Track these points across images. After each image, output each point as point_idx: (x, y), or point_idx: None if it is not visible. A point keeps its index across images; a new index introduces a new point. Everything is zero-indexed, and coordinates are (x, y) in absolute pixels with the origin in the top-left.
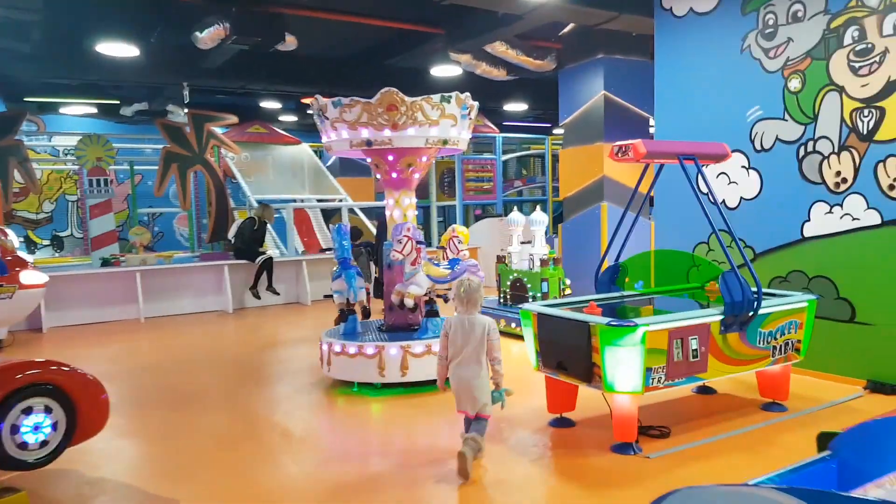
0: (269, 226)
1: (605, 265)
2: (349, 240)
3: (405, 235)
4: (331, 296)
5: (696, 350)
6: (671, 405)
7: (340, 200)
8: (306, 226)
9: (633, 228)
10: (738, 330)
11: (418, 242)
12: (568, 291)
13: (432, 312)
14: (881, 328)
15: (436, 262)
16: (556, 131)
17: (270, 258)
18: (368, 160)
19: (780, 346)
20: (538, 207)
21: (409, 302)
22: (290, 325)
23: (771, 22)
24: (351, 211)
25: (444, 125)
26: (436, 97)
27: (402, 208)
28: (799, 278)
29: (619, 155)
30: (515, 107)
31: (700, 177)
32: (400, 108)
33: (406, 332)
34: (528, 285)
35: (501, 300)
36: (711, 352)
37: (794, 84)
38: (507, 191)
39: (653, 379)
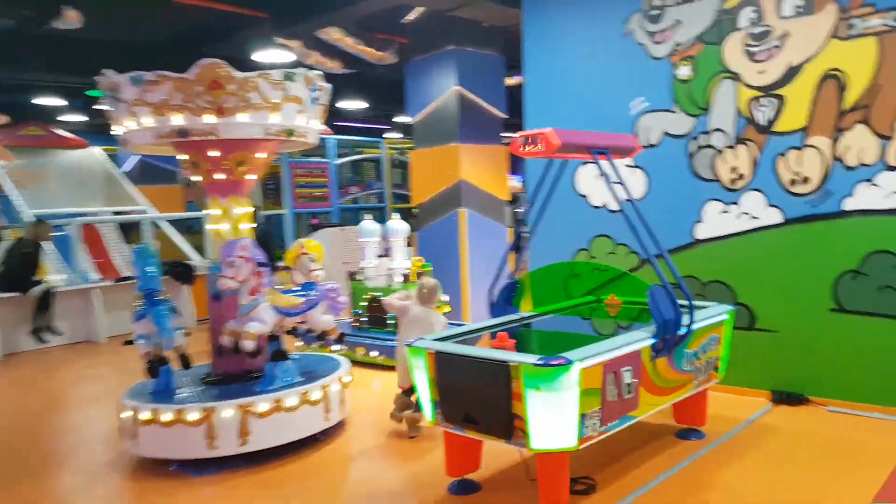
0: (44, 246)
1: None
2: (156, 265)
3: (240, 256)
4: (132, 342)
5: (629, 385)
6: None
7: (143, 213)
8: (98, 245)
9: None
10: (668, 353)
11: (259, 264)
12: (447, 309)
13: (279, 354)
14: (783, 334)
15: (283, 288)
16: (389, 135)
17: (49, 289)
18: (181, 159)
19: (703, 366)
20: (395, 215)
21: (249, 344)
22: (80, 376)
23: (657, 3)
24: (155, 225)
25: (287, 111)
26: (276, 73)
27: (231, 220)
28: (691, 285)
29: (525, 147)
30: (352, 105)
31: (606, 173)
32: (227, 87)
33: (244, 384)
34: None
35: (355, 323)
36: (642, 383)
37: (684, 72)
38: (343, 197)
39: (587, 427)
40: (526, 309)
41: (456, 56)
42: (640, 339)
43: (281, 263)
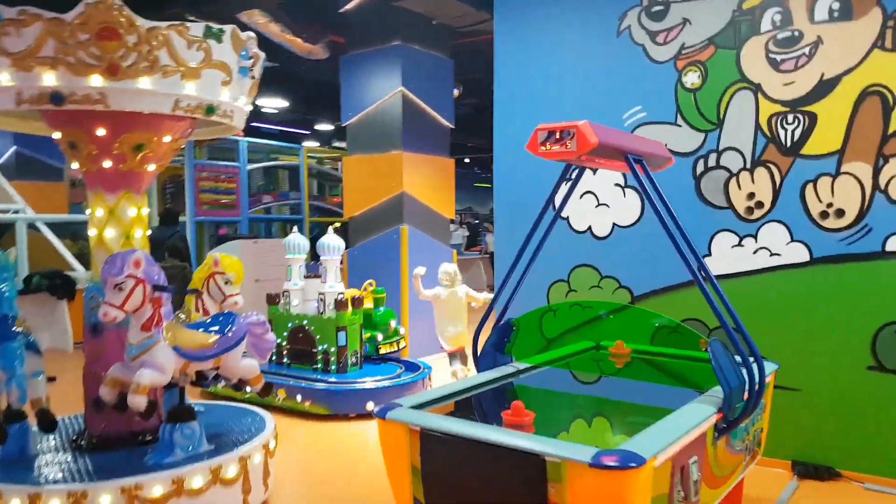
0: None
1: (490, 325)
2: (10, 281)
3: (130, 276)
4: None
5: (696, 482)
6: None
7: (16, 212)
8: None
9: (531, 264)
10: (728, 432)
11: (156, 288)
12: (403, 344)
13: (180, 413)
14: (808, 394)
15: (188, 321)
16: (309, 143)
17: None
18: (56, 138)
19: (750, 442)
20: (330, 229)
21: (140, 401)
22: None
23: None
24: (32, 227)
25: (208, 79)
26: (197, 27)
27: (120, 224)
28: (696, 330)
29: (548, 144)
30: (271, 103)
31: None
32: (125, 38)
33: (130, 453)
34: (317, 337)
35: (275, 359)
36: (704, 477)
37: (692, 79)
38: (254, 207)
39: None
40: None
41: (401, 53)
42: (703, 415)
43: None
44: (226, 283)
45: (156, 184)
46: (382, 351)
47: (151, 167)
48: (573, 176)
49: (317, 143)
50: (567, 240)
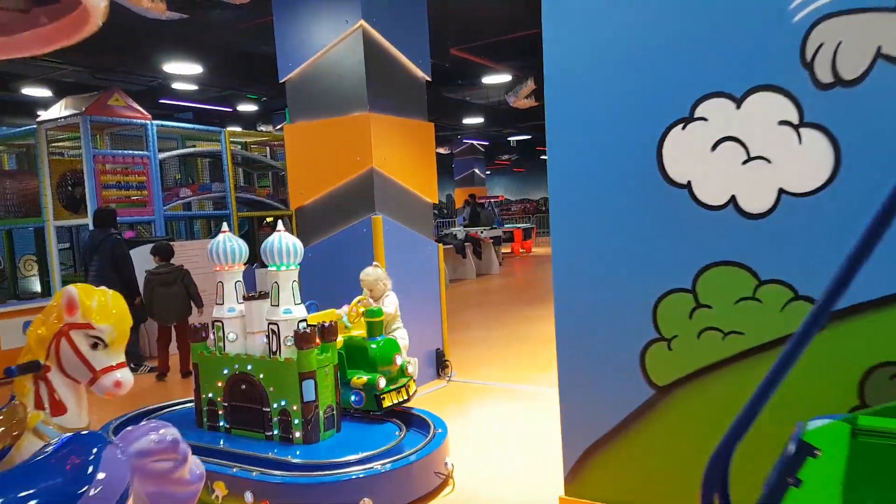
0: None
1: None
2: None
3: None
4: None
5: None
6: None
7: None
8: None
9: None
10: None
11: None
12: (414, 389)
13: None
14: None
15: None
16: (231, 128)
17: None
18: None
19: None
20: (280, 224)
21: None
22: None
23: None
24: None
25: None
26: None
27: None
28: None
29: None
30: (182, 69)
31: None
32: None
33: None
34: (269, 389)
35: (206, 422)
36: None
37: None
38: (171, 202)
39: None
40: None
41: None
42: None
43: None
44: (93, 345)
45: (51, 178)
46: (387, 403)
47: None
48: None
49: (239, 129)
50: (690, 221)
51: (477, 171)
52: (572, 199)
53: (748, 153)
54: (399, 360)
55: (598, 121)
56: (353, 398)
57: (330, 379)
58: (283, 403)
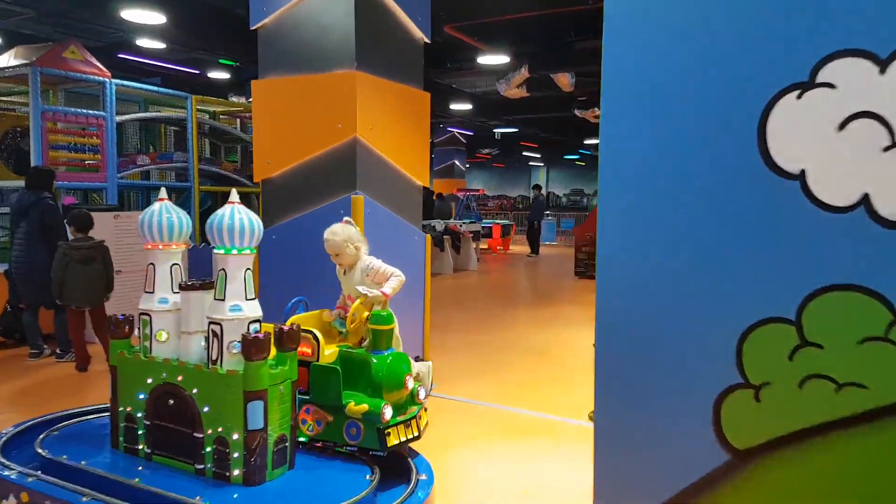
0: None
1: None
2: None
3: None
4: None
5: None
6: None
7: None
8: None
9: None
10: None
11: None
12: (426, 421)
13: None
14: None
15: None
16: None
17: None
18: None
19: None
20: (234, 193)
21: None
22: None
23: None
24: None
25: None
26: None
27: None
28: None
29: None
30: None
31: None
32: None
33: None
34: (203, 409)
35: (123, 443)
36: None
37: None
38: (126, 170)
39: None
40: None
41: None
42: None
43: None
44: None
45: None
46: (393, 441)
47: None
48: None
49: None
50: (800, 226)
51: (457, 162)
52: (631, 194)
53: (893, 137)
54: (410, 383)
55: (673, 84)
56: (348, 431)
57: (285, 401)
58: (219, 430)
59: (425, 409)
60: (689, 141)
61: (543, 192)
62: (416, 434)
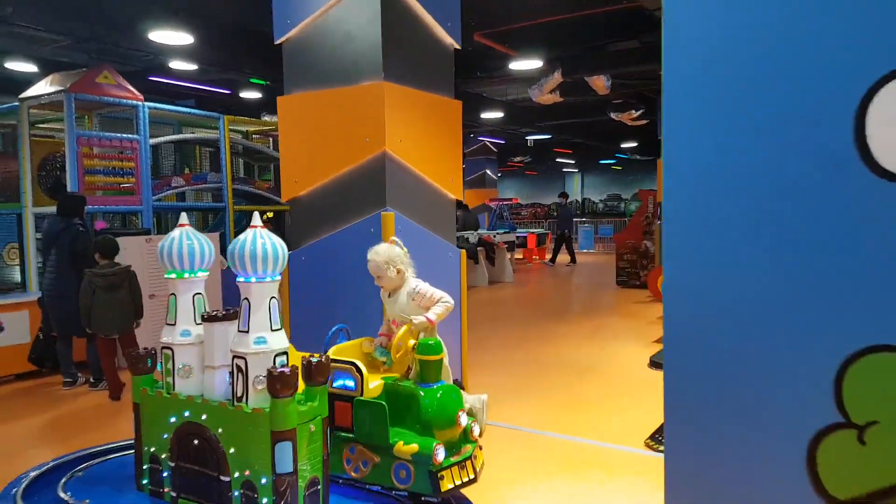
0: None
1: None
2: None
3: None
4: None
5: None
6: None
7: None
8: None
9: None
10: None
11: None
12: (481, 463)
13: None
14: None
15: None
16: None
17: None
18: None
19: None
20: (255, 216)
21: None
22: None
23: None
24: None
25: None
26: None
27: None
28: None
29: None
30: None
31: None
32: None
33: None
34: (228, 450)
35: (148, 485)
36: None
37: None
38: (161, 191)
39: None
40: None
41: None
42: None
43: None
44: None
45: (31, 161)
46: (447, 485)
47: None
48: None
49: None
50: None
51: (489, 172)
52: (704, 202)
53: None
54: (463, 419)
55: (753, 71)
56: (397, 474)
57: (316, 440)
58: (247, 473)
59: (480, 448)
60: (774, 137)
61: (578, 198)
62: (471, 476)
